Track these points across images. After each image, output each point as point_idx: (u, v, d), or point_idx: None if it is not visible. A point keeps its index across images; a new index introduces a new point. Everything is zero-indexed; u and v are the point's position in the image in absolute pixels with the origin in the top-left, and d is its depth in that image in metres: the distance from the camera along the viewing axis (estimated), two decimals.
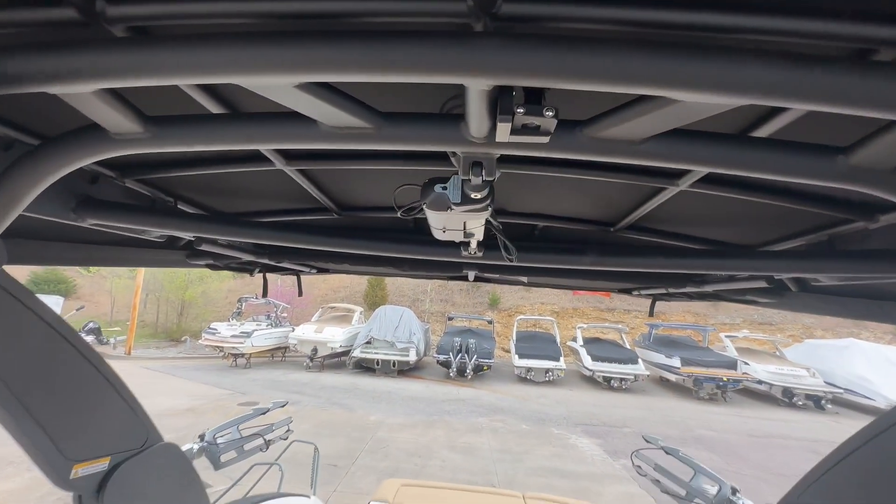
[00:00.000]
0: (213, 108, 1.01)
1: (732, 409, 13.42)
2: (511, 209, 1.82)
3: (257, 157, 1.36)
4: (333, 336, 15.34)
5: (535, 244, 1.68)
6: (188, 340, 19.26)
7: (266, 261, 2.41)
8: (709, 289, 2.20)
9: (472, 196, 0.99)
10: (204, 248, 2.05)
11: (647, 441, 2.87)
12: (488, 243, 1.59)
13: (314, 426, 9.17)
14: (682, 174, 1.26)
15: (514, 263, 1.53)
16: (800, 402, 13.94)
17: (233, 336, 14.80)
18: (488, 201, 1.02)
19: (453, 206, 1.02)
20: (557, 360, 14.98)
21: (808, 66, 0.53)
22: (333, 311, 19.04)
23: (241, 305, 17.17)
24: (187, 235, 1.86)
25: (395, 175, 1.52)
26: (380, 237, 1.70)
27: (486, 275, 2.32)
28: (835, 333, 20.26)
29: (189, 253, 2.18)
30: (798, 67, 0.53)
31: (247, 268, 2.78)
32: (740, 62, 0.53)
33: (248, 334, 14.89)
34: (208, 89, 0.97)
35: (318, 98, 0.72)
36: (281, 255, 2.38)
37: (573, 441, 9.28)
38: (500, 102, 0.68)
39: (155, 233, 1.68)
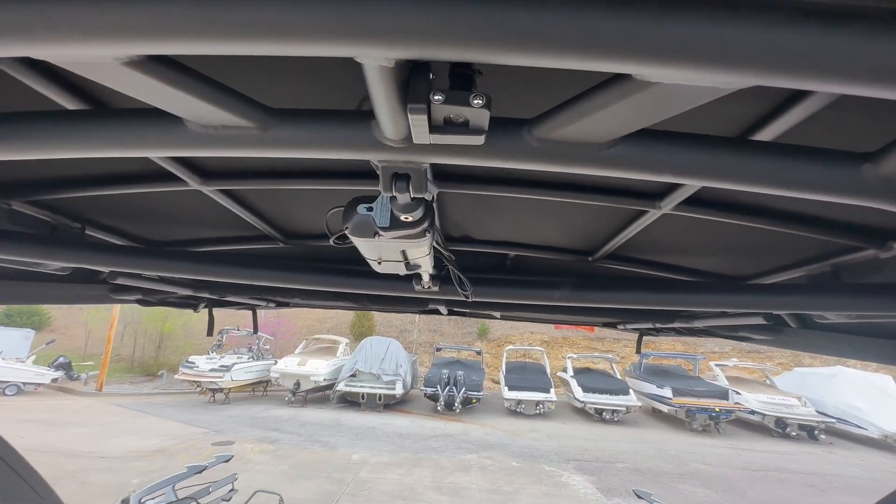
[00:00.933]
0: (68, 103, 0.83)
1: (727, 440, 13.12)
2: (478, 237, 1.67)
3: (167, 177, 1.17)
4: (317, 369, 14.81)
5: (506, 276, 1.55)
6: (165, 375, 18.46)
7: (206, 295, 2.16)
8: (699, 325, 2.05)
9: (403, 218, 0.83)
10: (124, 282, 1.82)
11: (639, 496, 2.69)
12: (445, 276, 1.43)
13: (292, 467, 8.65)
14: (664, 194, 1.12)
15: (474, 299, 1.37)
16: (793, 433, 13.71)
17: (211, 370, 14.19)
18: (424, 225, 0.85)
19: (381, 232, 0.86)
20: (548, 391, 14.61)
21: (839, 25, 0.37)
22: (318, 342, 18.52)
23: (222, 337, 16.59)
24: (101, 268, 1.63)
25: (335, 196, 1.37)
26: (326, 269, 1.53)
27: (458, 309, 2.14)
28: (823, 361, 20.24)
29: (113, 287, 1.95)
30: (825, 28, 0.37)
31: (189, 303, 2.53)
32: (740, 21, 0.38)
33: (227, 368, 14.31)
34: (54, 78, 0.78)
35: (168, 83, 0.54)
36: (223, 289, 2.15)
37: (565, 479, 8.88)
38: (410, 86, 0.53)
39: (53, 265, 1.44)
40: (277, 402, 15.22)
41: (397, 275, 1.33)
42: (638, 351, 2.82)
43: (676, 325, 2.07)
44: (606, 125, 0.57)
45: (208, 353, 15.68)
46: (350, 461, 9.21)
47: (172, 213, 1.58)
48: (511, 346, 19.45)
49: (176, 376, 15.20)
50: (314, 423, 12.54)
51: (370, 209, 0.86)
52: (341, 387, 14.41)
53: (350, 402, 14.89)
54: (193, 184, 1.20)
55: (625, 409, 14.32)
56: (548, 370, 16.80)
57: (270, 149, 0.65)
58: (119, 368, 20.14)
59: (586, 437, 12.51)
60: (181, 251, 1.54)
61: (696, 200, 1.12)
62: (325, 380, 14.83)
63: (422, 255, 1.07)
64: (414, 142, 0.60)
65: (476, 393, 14.39)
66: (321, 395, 15.98)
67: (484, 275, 1.40)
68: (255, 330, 3.05)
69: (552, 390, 14.78)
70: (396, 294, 1.53)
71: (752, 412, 14.09)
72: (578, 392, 14.73)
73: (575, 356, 17.57)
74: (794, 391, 14.94)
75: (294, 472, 8.34)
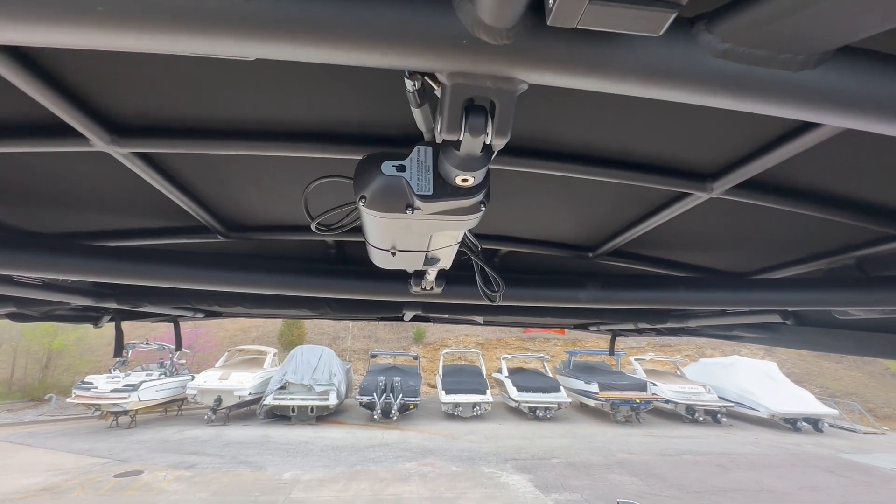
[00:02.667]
0: None
1: (646, 429, 14.18)
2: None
3: (58, 130, 0.84)
4: (241, 382, 13.68)
5: (524, 276, 1.35)
6: (54, 399, 15.99)
7: (113, 305, 1.72)
8: (692, 324, 1.96)
9: (458, 182, 0.58)
10: None
11: None
12: (452, 274, 1.19)
13: (214, 493, 7.84)
14: (718, 174, 0.96)
15: (494, 304, 1.11)
16: (700, 418, 15.21)
17: (114, 391, 12.49)
18: (484, 192, 0.61)
19: (419, 203, 0.60)
20: (484, 393, 14.82)
21: None
22: (242, 353, 17.17)
23: (128, 353, 14.72)
24: None
25: (307, 173, 1.08)
26: (286, 269, 1.23)
27: (433, 315, 1.93)
28: (721, 352, 22.75)
29: None
30: None
31: (88, 315, 2.06)
32: None
33: (133, 387, 12.69)
34: None
35: None
36: (136, 295, 1.72)
37: (504, 479, 8.99)
38: None
39: None
40: (195, 421, 13.82)
41: (381, 273, 1.10)
42: (611, 352, 2.84)
43: (669, 324, 2.00)
44: (825, 24, 0.37)
45: (110, 372, 13.83)
46: (281, 481, 8.56)
47: (65, 191, 1.18)
48: (447, 350, 19.51)
49: (68, 400, 13.20)
50: (239, 441, 11.54)
51: (401, 168, 0.60)
52: (269, 400, 13.44)
53: (279, 416, 13.95)
54: (99, 142, 0.85)
55: (556, 405, 14.94)
56: (484, 372, 17.06)
57: (260, 35, 0.39)
58: None
59: (522, 435, 12.84)
60: (77, 245, 1.11)
61: (752, 183, 0.99)
62: (250, 394, 13.74)
63: (450, 243, 0.79)
64: (551, 23, 0.36)
65: (413, 399, 14.19)
66: (246, 410, 14.80)
67: (470, 273, 1.23)
68: (179, 346, 2.59)
69: (488, 391, 15.02)
70: (380, 298, 1.31)
71: (667, 401, 15.41)
72: (513, 392, 15.11)
73: (509, 357, 18.04)
74: (700, 380, 16.61)
75: (215, 500, 7.56)
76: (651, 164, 0.97)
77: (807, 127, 0.76)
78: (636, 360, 18.08)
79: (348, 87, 0.77)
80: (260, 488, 8.12)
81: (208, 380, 13.68)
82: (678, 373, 17.85)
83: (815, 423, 14.62)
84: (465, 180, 0.58)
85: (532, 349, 23.66)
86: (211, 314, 2.29)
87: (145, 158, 0.97)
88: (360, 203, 0.64)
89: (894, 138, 0.71)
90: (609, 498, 7.96)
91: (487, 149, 0.53)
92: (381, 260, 0.88)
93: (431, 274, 1.10)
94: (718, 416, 15.21)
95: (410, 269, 1.04)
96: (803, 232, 1.25)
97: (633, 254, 1.59)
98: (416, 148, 0.61)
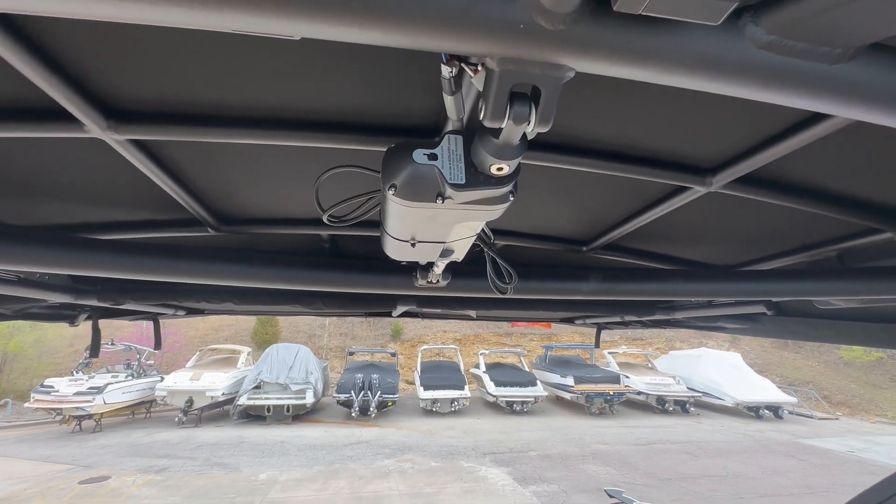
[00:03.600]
0: None
1: (619, 420, 14.60)
2: None
3: (51, 114, 0.79)
4: (214, 383, 13.31)
5: (527, 267, 1.32)
6: (9, 404, 15.16)
7: (94, 302, 1.63)
8: (679, 315, 2.01)
9: (493, 170, 0.57)
10: None
11: (611, 496, 2.77)
12: (458, 267, 1.18)
13: (187, 497, 7.62)
14: (718, 169, 0.98)
15: (504, 295, 1.10)
16: (670, 408, 15.76)
17: (77, 393, 11.93)
18: (514, 182, 0.61)
19: (451, 191, 0.59)
20: (462, 388, 14.91)
21: None
22: (214, 353, 16.69)
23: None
24: None
25: (309, 165, 1.05)
26: (284, 262, 1.19)
27: (426, 309, 1.88)
28: (690, 344, 23.63)
29: None
30: None
31: (64, 314, 1.96)
32: None
33: (98, 389, 12.15)
34: None
35: None
36: (119, 292, 1.63)
37: (483, 473, 9.09)
38: None
39: None
40: (165, 424, 13.38)
41: (383, 266, 1.08)
42: (597, 345, 2.89)
43: (657, 317, 2.05)
44: (863, 19, 0.38)
45: (72, 374, 13.20)
46: (257, 482, 8.40)
47: (44, 181, 1.10)
48: (425, 346, 19.54)
49: (26, 405, 12.54)
50: (212, 443, 11.24)
51: (433, 157, 0.59)
52: (243, 400, 13.13)
53: (254, 416, 13.65)
54: (94, 128, 0.80)
55: (533, 399, 15.18)
56: (461, 368, 17.16)
57: (315, 12, 0.37)
58: None
59: (500, 429, 13.00)
60: (56, 236, 1.04)
61: (749, 178, 1.01)
62: (223, 394, 13.38)
63: (469, 234, 0.77)
64: (583, 18, 0.37)
65: (391, 395, 14.15)
66: (219, 411, 14.43)
67: (465, 266, 1.20)
68: (158, 345, 2.49)
69: (466, 387, 15.12)
70: (383, 291, 1.26)
71: (639, 393, 15.91)
72: (491, 387, 15.27)
73: (487, 352, 18.21)
74: (670, 372, 17.21)
75: (189, 503, 7.35)
76: (652, 157, 0.98)
77: (810, 122, 0.78)
78: (609, 353, 18.57)
79: (365, 74, 0.75)
80: (235, 490, 7.94)
81: (179, 380, 13.24)
82: (649, 365, 18.44)
83: (775, 410, 15.38)
84: (500, 169, 0.57)
85: (509, 344, 23.96)
86: (195, 311, 2.20)
87: (141, 147, 0.92)
88: (390, 192, 0.62)
89: (883, 137, 0.74)
90: (585, 488, 8.18)
91: (524, 137, 0.53)
92: (396, 251, 0.86)
93: (440, 266, 1.08)
94: (687, 405, 15.80)
95: (423, 261, 1.02)
96: (789, 225, 1.30)
97: (625, 248, 1.61)
98: (445, 136, 0.60)
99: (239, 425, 13.20)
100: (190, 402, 12.93)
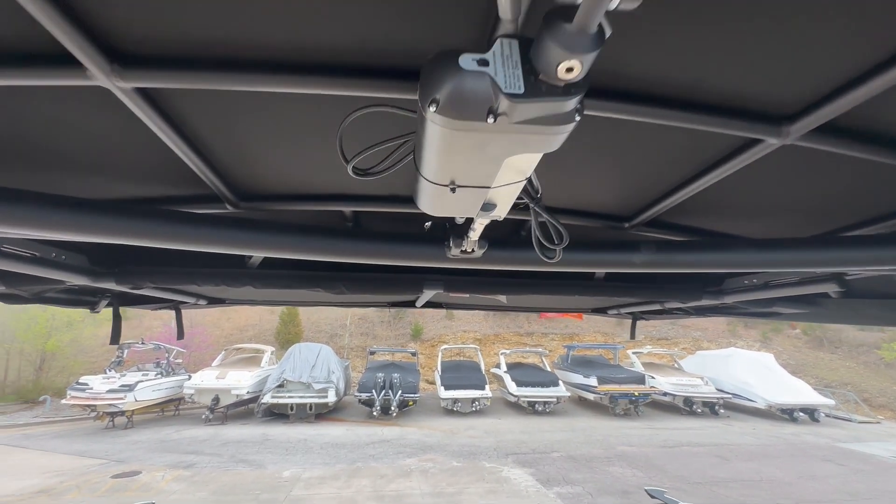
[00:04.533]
0: None
1: (645, 422, 14.23)
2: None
3: (48, 59, 0.71)
4: (239, 381, 13.60)
5: (522, 250, 1.19)
6: (49, 400, 15.83)
7: (112, 285, 1.56)
8: (729, 300, 1.79)
9: (562, 70, 0.45)
10: None
11: (652, 496, 2.66)
12: (494, 236, 1.07)
13: (214, 492, 7.77)
14: (798, 115, 0.82)
15: (552, 261, 0.96)
16: (699, 410, 15.28)
17: (109, 391, 12.37)
18: (582, 94, 0.49)
19: (505, 105, 0.48)
20: (483, 388, 14.82)
21: None
22: (239, 352, 17.07)
23: (123, 353, 14.60)
24: None
25: (331, 129, 0.91)
26: (306, 231, 1.09)
27: (454, 294, 1.75)
28: (718, 344, 22.92)
29: None
30: None
31: (83, 299, 1.94)
32: None
33: (129, 387, 12.58)
34: None
35: None
36: (137, 275, 1.57)
37: (506, 473, 8.98)
38: None
39: None
40: (192, 421, 13.72)
41: (420, 236, 1.01)
42: (633, 336, 2.76)
43: (703, 302, 1.82)
44: None
45: (105, 372, 13.69)
46: (281, 479, 8.50)
47: (46, 147, 1.00)
48: (445, 346, 19.51)
49: (63, 401, 13.07)
50: (237, 440, 11.47)
51: (483, 62, 0.48)
52: (267, 399, 13.37)
53: (277, 414, 13.87)
54: (97, 72, 0.71)
55: (555, 399, 14.96)
56: (482, 367, 17.06)
57: None
58: None
59: (522, 430, 12.84)
60: (65, 198, 0.91)
61: (834, 126, 0.84)
62: (248, 393, 13.66)
63: (518, 178, 0.67)
64: None
65: (412, 395, 14.17)
66: (244, 409, 14.73)
67: (497, 244, 1.11)
68: (181, 335, 2.50)
69: (487, 387, 15.02)
70: (411, 263, 1.15)
71: (665, 394, 15.49)
72: (512, 387, 15.12)
73: (507, 352, 18.06)
74: (698, 372, 16.70)
75: (216, 499, 7.49)
76: (720, 102, 0.83)
77: None
78: (634, 353, 18.16)
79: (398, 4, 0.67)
80: (260, 486, 8.06)
81: (205, 379, 13.58)
82: (675, 366, 17.95)
83: (811, 413, 14.74)
84: (569, 69, 0.45)
85: (530, 344, 23.72)
86: (216, 301, 2.20)
87: (150, 100, 0.84)
88: (430, 109, 0.50)
89: None
90: (611, 490, 7.98)
91: (601, 29, 0.43)
92: (432, 200, 0.73)
93: (478, 228, 0.94)
94: (716, 407, 15.29)
95: (461, 217, 0.90)
96: (874, 187, 1.10)
97: (672, 224, 1.44)
98: (498, 41, 0.49)
99: (263, 423, 13.44)
100: (216, 399, 13.24)
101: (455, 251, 1.09)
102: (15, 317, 18.69)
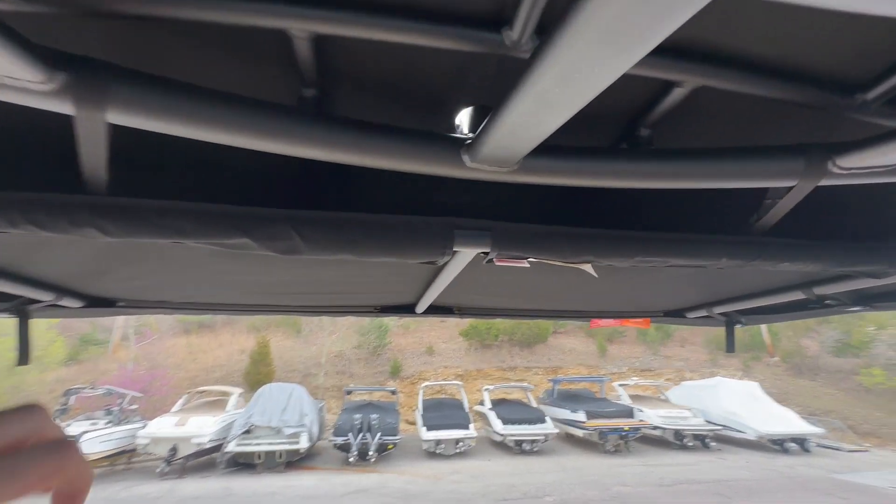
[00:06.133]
0: None
1: (637, 458, 13.60)
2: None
3: None
4: (201, 428, 12.35)
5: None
6: None
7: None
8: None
9: None
10: None
11: None
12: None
13: None
14: None
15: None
16: (690, 444, 14.76)
17: None
18: None
19: None
20: (467, 427, 13.97)
21: None
22: (203, 395, 15.74)
23: (69, 400, 13.16)
24: None
25: None
26: (245, 105, 0.66)
27: (507, 252, 0.91)
28: (700, 374, 22.70)
29: None
30: None
31: None
32: None
33: (73, 439, 11.18)
34: None
35: None
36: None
37: None
38: None
39: None
40: (146, 475, 12.29)
41: (423, 132, 0.64)
42: (730, 349, 2.20)
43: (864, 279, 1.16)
44: None
45: None
46: None
47: None
48: (427, 383, 18.59)
49: None
50: (195, 497, 10.23)
51: None
52: (232, 447, 12.13)
53: (243, 464, 12.59)
54: None
55: (543, 437, 14.22)
56: (465, 405, 16.21)
57: None
58: None
59: (510, 472, 12.00)
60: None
61: None
62: (211, 441, 12.39)
63: None
64: None
65: (392, 437, 13.18)
66: (207, 459, 13.36)
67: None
68: (24, 357, 1.75)
69: (471, 426, 14.18)
70: (417, 168, 0.71)
71: (655, 427, 14.94)
72: (498, 425, 14.32)
73: (491, 388, 17.27)
74: (684, 403, 16.29)
75: None
76: None
77: None
78: (620, 385, 17.68)
79: None
80: None
81: (162, 427, 12.29)
82: (662, 397, 17.52)
83: (801, 442, 14.41)
84: None
85: (514, 379, 22.95)
86: (88, 301, 1.59)
87: None
88: None
89: None
90: None
91: None
92: None
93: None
94: (707, 440, 14.82)
95: None
96: None
97: None
98: None
99: (227, 475, 12.15)
100: (174, 450, 11.92)
101: (473, 164, 0.70)
102: None
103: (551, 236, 0.93)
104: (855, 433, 16.84)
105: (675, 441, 14.91)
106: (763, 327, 24.94)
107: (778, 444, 14.42)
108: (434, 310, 1.62)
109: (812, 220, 1.07)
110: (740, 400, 15.73)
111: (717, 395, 16.28)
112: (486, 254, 0.93)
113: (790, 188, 0.87)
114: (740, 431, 14.93)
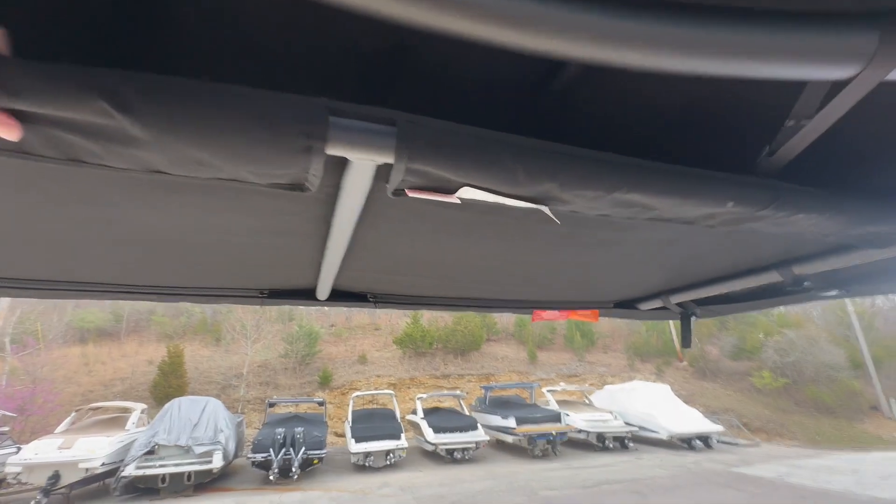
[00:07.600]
0: None
1: (563, 462, 14.04)
2: None
3: None
4: (91, 451, 10.76)
5: None
6: None
7: None
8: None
9: None
10: None
11: None
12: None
13: None
14: None
15: None
16: (610, 445, 15.58)
17: None
18: None
19: None
20: (399, 437, 13.58)
21: None
22: (98, 413, 13.85)
23: None
24: None
25: None
26: None
27: (417, 194, 0.62)
28: (621, 378, 24.20)
29: None
30: None
31: None
32: None
33: None
34: None
35: None
36: None
37: None
38: None
39: None
40: None
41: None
42: (686, 345, 2.05)
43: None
44: None
45: None
46: None
47: None
48: (358, 393, 17.90)
49: None
50: None
51: None
52: (130, 470, 10.70)
53: (145, 489, 11.16)
54: None
55: (474, 445, 14.22)
56: (398, 415, 15.80)
57: None
58: None
59: (440, 482, 11.80)
60: None
61: None
62: (104, 465, 10.84)
63: None
64: None
65: (318, 452, 12.40)
66: (99, 486, 11.68)
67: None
68: None
69: (403, 436, 13.81)
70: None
71: (579, 430, 15.59)
72: (430, 434, 14.09)
73: (424, 396, 17.03)
74: (607, 406, 17.21)
75: None
76: None
77: None
78: (548, 391, 18.27)
79: None
80: None
81: (41, 451, 10.53)
82: (587, 401, 18.37)
83: (706, 440, 15.79)
84: None
85: (447, 387, 22.89)
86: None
87: None
88: None
89: None
90: None
91: None
92: None
93: None
94: (626, 441, 15.71)
95: None
96: None
97: None
98: None
99: (123, 503, 10.69)
100: (55, 477, 10.25)
101: None
102: None
103: (495, 147, 0.59)
104: (748, 429, 18.82)
105: (598, 443, 15.64)
106: (673, 334, 27.25)
107: (686, 443, 15.69)
108: (341, 296, 1.35)
109: (823, 167, 0.86)
110: (653, 402, 16.96)
111: (634, 397, 17.42)
112: (389, 171, 0.58)
113: (817, 109, 0.61)
114: (654, 431, 16.04)
